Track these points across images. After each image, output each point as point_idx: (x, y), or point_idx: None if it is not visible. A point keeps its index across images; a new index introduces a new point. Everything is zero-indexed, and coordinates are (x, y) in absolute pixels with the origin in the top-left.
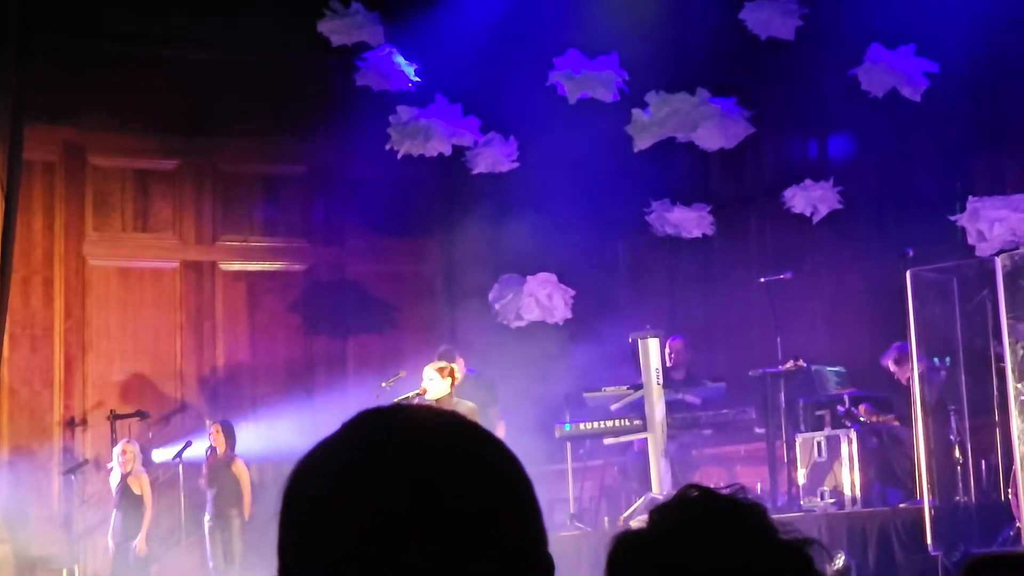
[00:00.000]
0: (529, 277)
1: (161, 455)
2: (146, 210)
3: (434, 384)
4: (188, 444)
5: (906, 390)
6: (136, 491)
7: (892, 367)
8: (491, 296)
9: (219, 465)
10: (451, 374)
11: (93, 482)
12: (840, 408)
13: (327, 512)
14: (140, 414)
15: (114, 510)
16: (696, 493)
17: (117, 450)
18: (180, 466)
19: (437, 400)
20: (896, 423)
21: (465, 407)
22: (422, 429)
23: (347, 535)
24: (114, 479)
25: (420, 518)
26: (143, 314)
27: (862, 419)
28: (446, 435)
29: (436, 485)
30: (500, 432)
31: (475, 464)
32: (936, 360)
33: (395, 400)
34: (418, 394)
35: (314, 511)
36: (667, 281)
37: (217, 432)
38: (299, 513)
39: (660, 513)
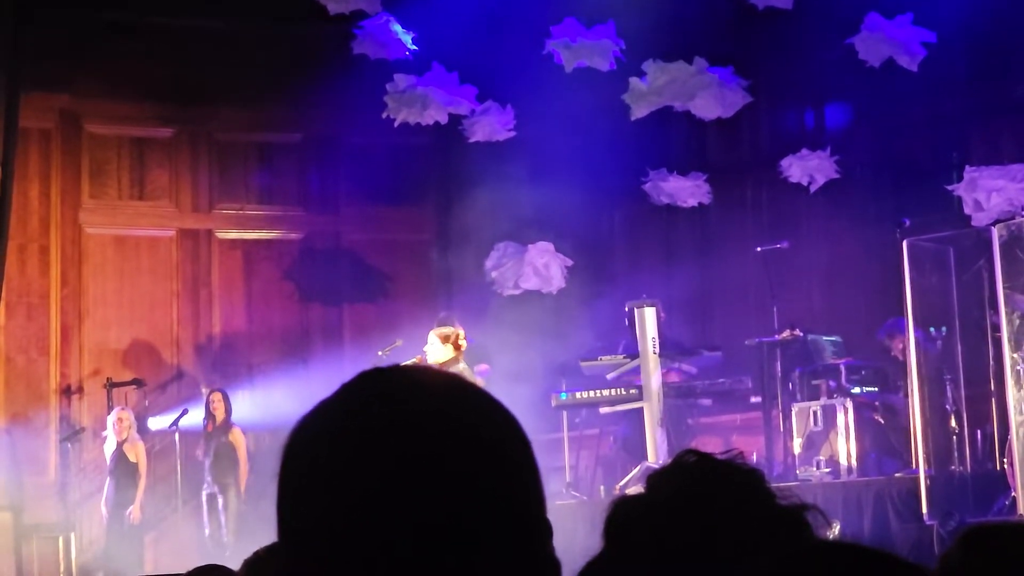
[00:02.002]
0: (530, 246)
1: (157, 423)
2: (142, 178)
3: (435, 350)
4: (184, 412)
5: (902, 362)
6: (132, 459)
7: (887, 342)
8: (488, 264)
9: (216, 434)
10: (455, 341)
11: (89, 450)
12: (832, 383)
13: (325, 472)
14: (136, 382)
15: (108, 477)
16: (693, 459)
17: (112, 417)
18: (176, 434)
19: (440, 365)
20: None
21: (457, 372)
22: (421, 390)
23: (345, 494)
24: (109, 447)
25: (417, 479)
26: (139, 282)
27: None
28: (445, 397)
29: (434, 446)
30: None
31: (473, 426)
32: (932, 330)
33: None
34: (415, 362)
35: (312, 470)
36: (663, 250)
37: (218, 400)
38: (298, 473)
39: (658, 478)
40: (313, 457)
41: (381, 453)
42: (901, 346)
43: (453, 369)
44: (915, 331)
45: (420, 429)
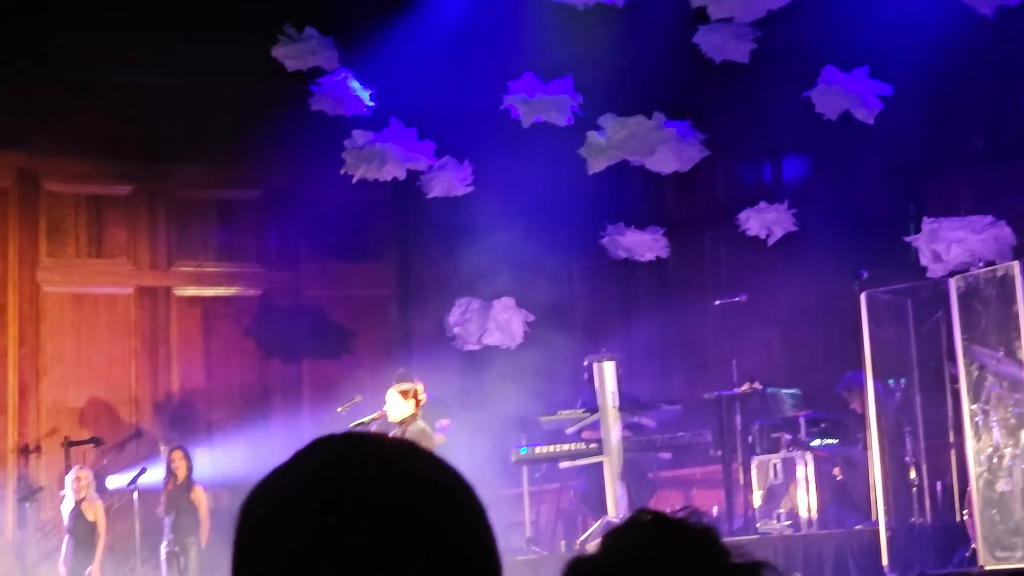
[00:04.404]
0: (495, 302)
1: (116, 481)
2: (100, 236)
3: (395, 406)
4: (143, 471)
5: (861, 415)
6: (90, 518)
7: (846, 395)
8: (451, 320)
9: (178, 492)
10: (415, 396)
11: (47, 509)
12: (791, 436)
13: (278, 538)
14: (94, 440)
15: (66, 537)
16: (648, 517)
17: (70, 477)
18: (135, 493)
19: (401, 422)
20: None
21: (416, 427)
22: (373, 459)
23: (297, 561)
24: (67, 506)
25: (369, 547)
26: (97, 340)
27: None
28: (397, 465)
29: (385, 515)
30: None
31: (426, 495)
32: (891, 382)
33: (352, 424)
34: (374, 418)
35: (265, 537)
36: (622, 304)
37: (180, 459)
38: (251, 539)
39: (612, 538)
40: (266, 524)
41: (333, 521)
42: (860, 399)
43: (412, 425)
44: (874, 383)
45: (372, 498)
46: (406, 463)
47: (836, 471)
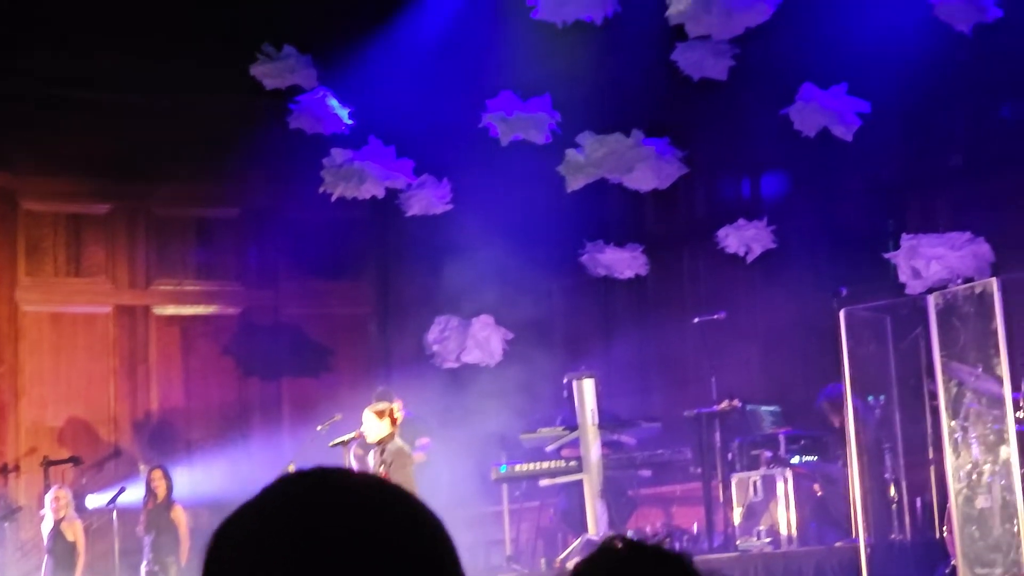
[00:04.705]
0: (473, 320)
1: (95, 501)
2: (79, 255)
3: (371, 427)
4: (122, 490)
5: (840, 430)
6: (69, 538)
7: (826, 408)
8: (429, 337)
9: (158, 511)
10: (390, 415)
11: (27, 529)
12: (771, 453)
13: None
14: (73, 460)
15: (46, 556)
16: (620, 545)
17: (49, 496)
18: (114, 512)
19: (379, 441)
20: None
21: (394, 447)
22: (341, 496)
23: None
24: (46, 526)
25: None
26: (76, 359)
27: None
28: (365, 503)
29: (353, 553)
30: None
31: (394, 533)
32: (871, 398)
33: (331, 443)
34: (354, 437)
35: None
36: (601, 322)
37: (159, 478)
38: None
39: (587, 566)
40: (233, 562)
41: (300, 560)
42: (839, 414)
43: (390, 444)
44: (853, 400)
45: (340, 534)
46: (375, 500)
47: (816, 487)
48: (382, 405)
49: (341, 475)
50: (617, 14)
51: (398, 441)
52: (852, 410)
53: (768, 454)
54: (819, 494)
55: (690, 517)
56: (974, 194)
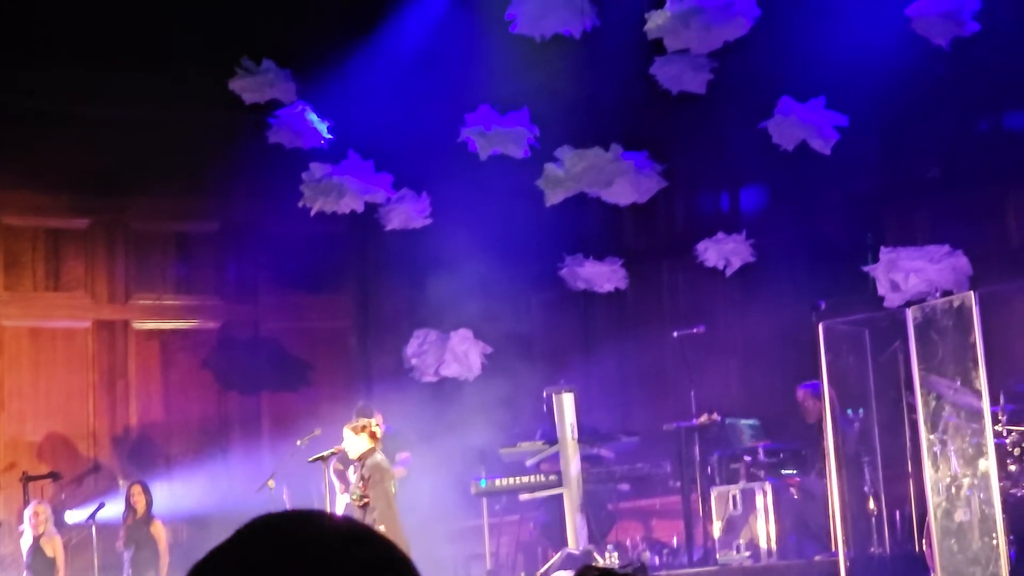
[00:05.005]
0: (452, 333)
1: (74, 516)
2: (58, 269)
3: (350, 443)
4: (101, 505)
5: (818, 439)
6: (49, 553)
7: (801, 401)
8: (408, 351)
9: (137, 526)
10: (366, 430)
11: (6, 544)
12: (750, 466)
13: None
14: (53, 475)
15: (25, 572)
16: (595, 574)
17: (29, 512)
18: (94, 527)
19: (359, 457)
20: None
21: (372, 461)
22: (315, 541)
23: None
24: (26, 541)
25: None
26: (55, 374)
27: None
28: (339, 548)
29: None
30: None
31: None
32: (849, 412)
33: (311, 459)
34: (333, 452)
35: None
36: (581, 336)
37: (139, 493)
38: None
39: None
40: None
41: None
42: (815, 410)
43: (370, 459)
44: (832, 410)
45: None
46: (348, 548)
47: (796, 499)
48: (362, 421)
49: (314, 519)
50: (596, 28)
51: (378, 456)
52: (831, 423)
53: (748, 459)
54: (799, 505)
55: (670, 531)
56: (952, 207)
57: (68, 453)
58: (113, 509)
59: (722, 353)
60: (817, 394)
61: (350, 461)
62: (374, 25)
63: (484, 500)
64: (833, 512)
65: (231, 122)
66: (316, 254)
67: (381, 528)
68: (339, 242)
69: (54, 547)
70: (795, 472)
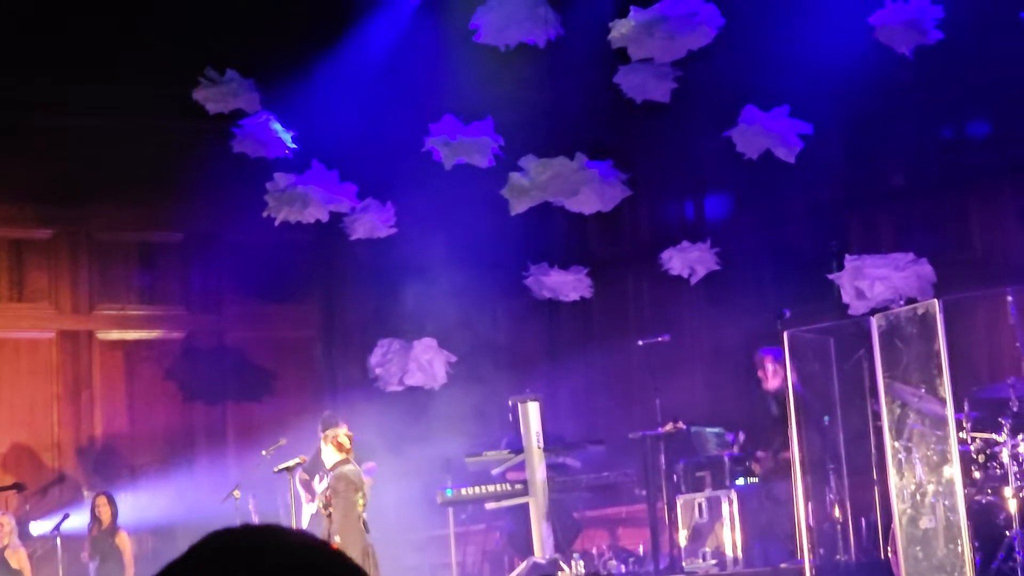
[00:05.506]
0: (415, 343)
1: (39, 528)
2: (21, 280)
3: (323, 453)
4: (66, 516)
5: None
6: (14, 565)
7: (766, 365)
8: (372, 361)
9: (103, 537)
10: (332, 441)
11: None
12: (715, 474)
13: None
14: (17, 486)
15: None
16: None
17: None
18: (58, 539)
19: (331, 467)
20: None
21: (338, 472)
22: (271, 557)
23: None
24: None
25: None
26: (19, 385)
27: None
28: (295, 564)
29: None
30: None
31: None
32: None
33: (276, 468)
34: (299, 463)
35: None
36: (546, 344)
37: (104, 504)
38: None
39: None
40: None
41: None
42: (773, 374)
43: (338, 470)
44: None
45: None
46: (304, 563)
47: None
48: (328, 432)
49: (271, 532)
50: (560, 37)
51: (346, 467)
52: (797, 429)
53: (715, 475)
54: (765, 513)
55: (636, 539)
56: (916, 215)
57: (32, 464)
58: (78, 520)
59: (687, 361)
60: (779, 360)
61: (316, 471)
62: (338, 35)
63: (450, 509)
64: (799, 519)
65: (195, 132)
66: (281, 264)
67: (336, 539)
68: (304, 252)
69: (19, 559)
70: (759, 480)
